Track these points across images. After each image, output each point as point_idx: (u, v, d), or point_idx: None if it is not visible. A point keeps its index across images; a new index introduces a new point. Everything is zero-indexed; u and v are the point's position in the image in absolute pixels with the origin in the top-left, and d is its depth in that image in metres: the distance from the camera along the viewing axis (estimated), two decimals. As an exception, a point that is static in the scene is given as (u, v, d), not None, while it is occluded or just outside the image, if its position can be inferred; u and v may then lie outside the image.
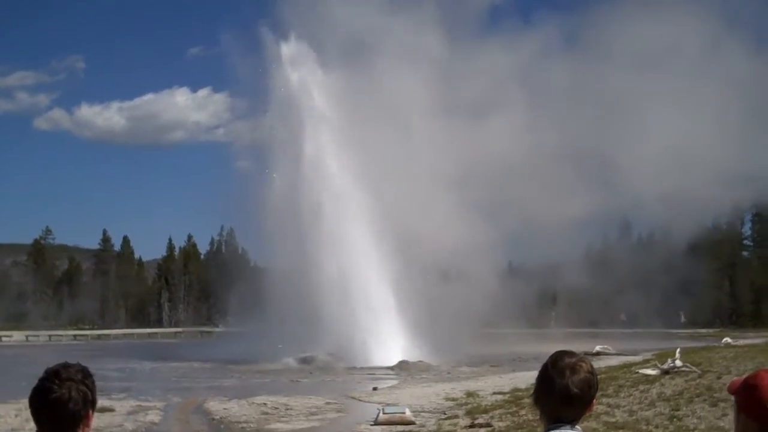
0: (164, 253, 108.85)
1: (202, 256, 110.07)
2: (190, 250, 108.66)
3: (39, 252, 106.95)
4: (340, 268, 44.64)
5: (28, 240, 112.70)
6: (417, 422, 18.30)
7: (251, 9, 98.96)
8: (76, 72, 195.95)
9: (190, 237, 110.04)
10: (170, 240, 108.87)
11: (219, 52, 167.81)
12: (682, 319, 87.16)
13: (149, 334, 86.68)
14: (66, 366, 2.65)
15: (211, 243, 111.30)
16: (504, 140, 54.73)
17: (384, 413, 18.42)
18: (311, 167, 47.98)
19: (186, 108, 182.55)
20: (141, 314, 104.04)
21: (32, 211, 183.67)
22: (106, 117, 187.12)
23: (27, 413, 14.03)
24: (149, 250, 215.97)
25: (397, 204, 47.35)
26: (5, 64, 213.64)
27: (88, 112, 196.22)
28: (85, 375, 2.66)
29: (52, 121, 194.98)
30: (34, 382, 2.65)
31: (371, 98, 50.54)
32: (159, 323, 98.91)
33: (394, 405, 20.10)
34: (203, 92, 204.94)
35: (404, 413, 18.55)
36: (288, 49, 50.79)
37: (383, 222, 46.46)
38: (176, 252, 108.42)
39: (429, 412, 20.43)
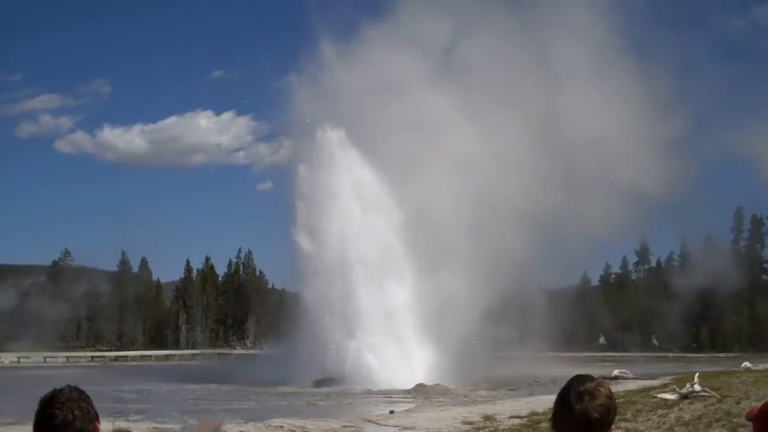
0: (182, 275, 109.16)
1: (219, 279, 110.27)
2: (208, 272, 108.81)
3: (58, 273, 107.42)
4: (358, 291, 44.60)
5: (47, 262, 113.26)
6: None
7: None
8: (101, 95, 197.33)
9: (207, 259, 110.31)
10: (188, 262, 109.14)
11: (242, 74, 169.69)
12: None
13: (166, 356, 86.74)
14: (59, 389, 2.66)
15: (229, 265, 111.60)
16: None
17: (401, 436, 18.36)
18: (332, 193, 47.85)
19: (208, 131, 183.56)
20: (158, 336, 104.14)
21: (51, 232, 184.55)
22: (127, 140, 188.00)
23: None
24: (167, 272, 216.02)
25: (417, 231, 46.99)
26: (31, 87, 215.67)
27: (110, 134, 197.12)
28: (80, 392, 2.67)
29: (74, 143, 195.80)
30: None
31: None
32: (176, 345, 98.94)
33: (411, 429, 20.04)
34: (227, 115, 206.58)
35: (421, 437, 18.48)
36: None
37: (402, 248, 46.34)
38: (194, 274, 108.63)
39: (446, 435, 20.33)
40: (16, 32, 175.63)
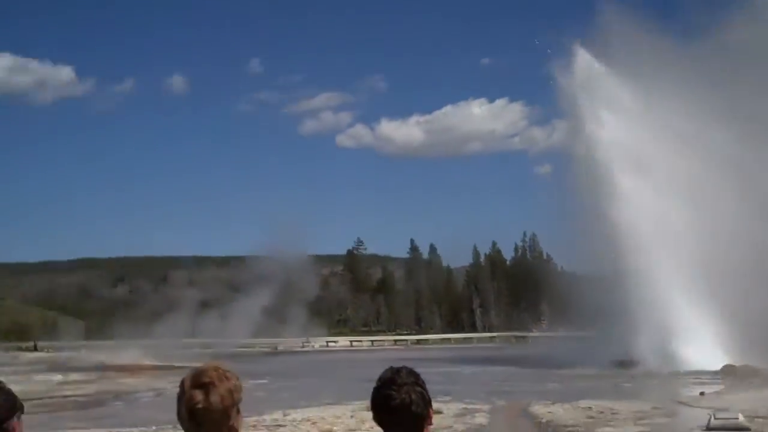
0: (470, 261, 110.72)
1: (507, 263, 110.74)
2: (495, 257, 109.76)
3: (353, 262, 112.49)
4: (656, 270, 42.73)
5: (342, 251, 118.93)
6: (752, 428, 17.10)
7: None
8: (377, 90, 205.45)
9: (494, 244, 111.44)
10: (475, 247, 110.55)
11: (511, 61, 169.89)
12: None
13: (465, 339, 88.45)
14: (397, 371, 2.74)
15: (515, 249, 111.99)
16: None
17: (716, 419, 17.41)
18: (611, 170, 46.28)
19: (481, 118, 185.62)
20: (454, 320, 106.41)
21: (344, 223, 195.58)
22: (404, 132, 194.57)
23: (362, 414, 14.57)
24: (455, 257, 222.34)
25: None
26: (312, 87, 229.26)
27: (387, 127, 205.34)
28: (416, 376, 2.75)
29: (354, 137, 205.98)
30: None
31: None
32: (473, 328, 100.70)
33: (725, 410, 18.91)
34: (500, 102, 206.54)
35: (737, 419, 17.40)
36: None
37: (701, 223, 43.65)
38: (482, 259, 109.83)
39: (763, 417, 19.05)
40: (297, 35, 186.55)
